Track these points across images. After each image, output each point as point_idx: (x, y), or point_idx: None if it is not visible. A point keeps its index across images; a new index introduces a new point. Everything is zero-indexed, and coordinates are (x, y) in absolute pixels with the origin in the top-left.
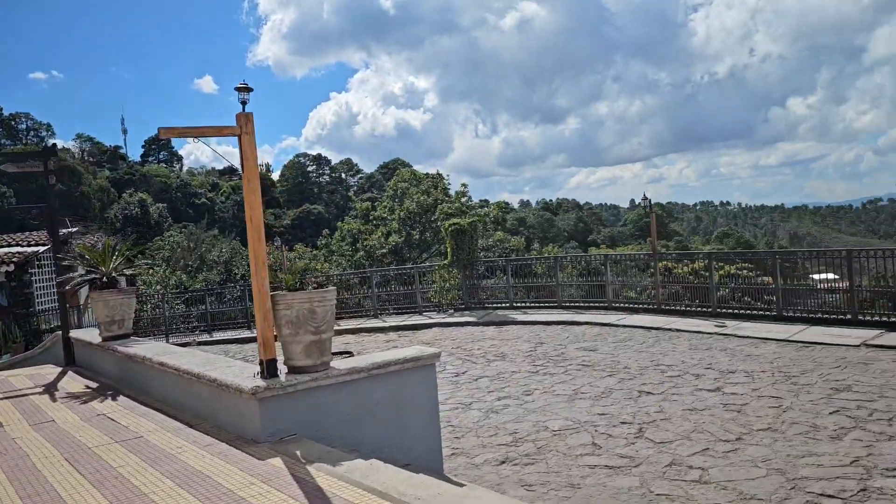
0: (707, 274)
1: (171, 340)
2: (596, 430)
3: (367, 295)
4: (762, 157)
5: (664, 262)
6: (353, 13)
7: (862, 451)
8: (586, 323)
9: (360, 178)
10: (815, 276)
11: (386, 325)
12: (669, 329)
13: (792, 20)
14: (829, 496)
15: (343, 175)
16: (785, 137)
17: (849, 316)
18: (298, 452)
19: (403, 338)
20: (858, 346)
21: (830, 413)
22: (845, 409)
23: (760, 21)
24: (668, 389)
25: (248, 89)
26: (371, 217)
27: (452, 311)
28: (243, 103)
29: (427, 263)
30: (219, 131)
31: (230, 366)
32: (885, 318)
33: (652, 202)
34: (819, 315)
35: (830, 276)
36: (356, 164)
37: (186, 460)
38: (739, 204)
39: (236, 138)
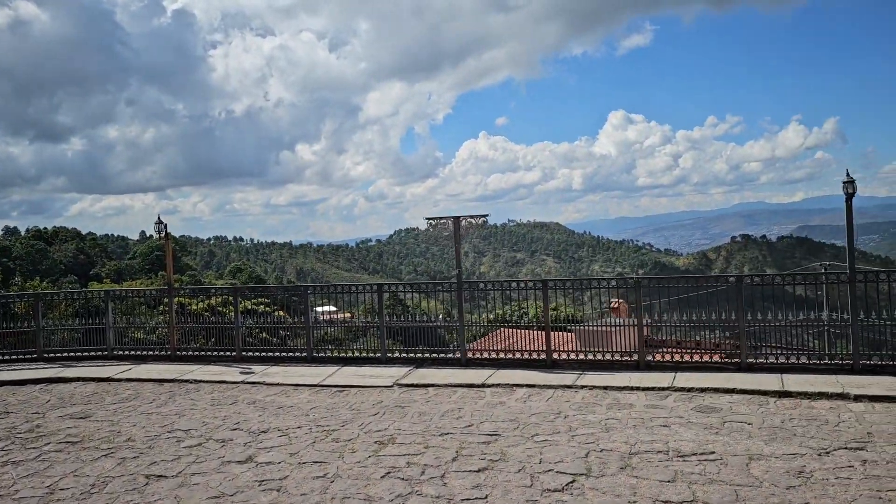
0: (225, 310)
1: None
2: None
3: None
4: (273, 195)
5: (180, 299)
6: None
7: None
8: (78, 379)
9: None
10: (318, 309)
11: None
12: (187, 381)
13: (302, 71)
14: None
15: None
16: (294, 179)
17: (379, 354)
18: None
19: None
20: (391, 386)
21: (382, 477)
22: (396, 470)
23: (275, 68)
24: (188, 468)
25: None
26: None
27: None
28: None
29: None
30: None
31: None
32: (410, 355)
33: (167, 227)
34: (351, 354)
35: (332, 308)
36: None
37: None
38: (252, 239)
39: None
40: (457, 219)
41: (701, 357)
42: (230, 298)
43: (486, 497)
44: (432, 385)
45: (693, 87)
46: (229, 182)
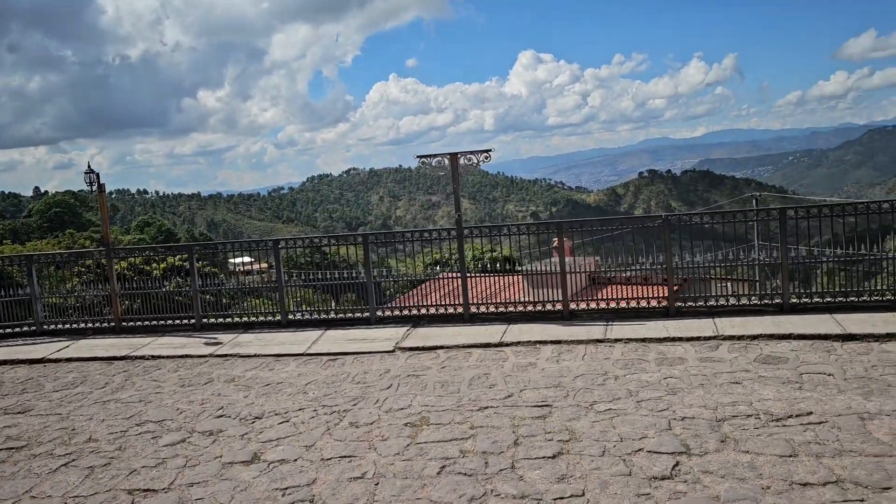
0: (149, 268)
1: None
2: None
3: None
4: (177, 145)
5: (120, 263)
6: None
7: None
8: (3, 362)
9: None
10: (233, 260)
11: None
12: (142, 357)
13: (200, 13)
14: None
15: None
16: (198, 128)
17: (367, 314)
18: None
19: None
20: (393, 350)
21: (438, 473)
22: (450, 461)
23: (171, 9)
24: (179, 475)
25: None
26: None
27: None
28: None
29: None
30: None
31: None
32: (404, 313)
33: (100, 178)
34: (334, 315)
35: (247, 259)
36: None
37: None
38: (157, 192)
39: None
40: (454, 155)
41: (738, 300)
42: (153, 256)
43: (583, 493)
44: (441, 347)
45: (600, 25)
46: (128, 133)
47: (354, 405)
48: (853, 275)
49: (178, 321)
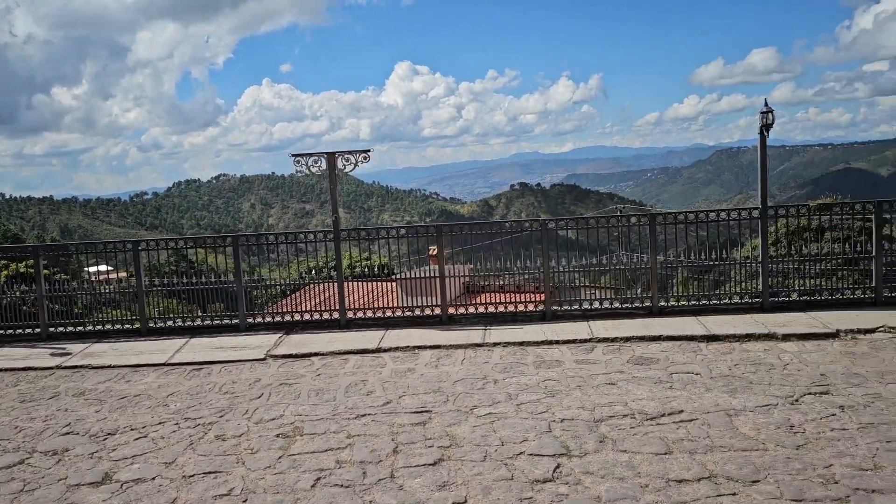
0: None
1: None
2: None
3: None
4: (27, 145)
5: None
6: None
7: None
8: None
9: None
10: (90, 269)
11: None
12: None
13: (56, 4)
14: None
15: None
16: (51, 126)
17: (237, 321)
18: None
19: None
20: (264, 358)
21: (312, 486)
22: (326, 473)
23: None
24: (15, 502)
25: None
26: None
27: None
28: None
29: None
30: None
31: None
32: (276, 319)
33: None
34: (200, 323)
35: (104, 267)
36: None
37: None
38: (3, 195)
39: None
40: (332, 155)
41: (611, 304)
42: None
43: (465, 500)
44: (316, 354)
45: (475, 40)
46: None
47: (221, 417)
48: (706, 281)
49: (20, 331)
